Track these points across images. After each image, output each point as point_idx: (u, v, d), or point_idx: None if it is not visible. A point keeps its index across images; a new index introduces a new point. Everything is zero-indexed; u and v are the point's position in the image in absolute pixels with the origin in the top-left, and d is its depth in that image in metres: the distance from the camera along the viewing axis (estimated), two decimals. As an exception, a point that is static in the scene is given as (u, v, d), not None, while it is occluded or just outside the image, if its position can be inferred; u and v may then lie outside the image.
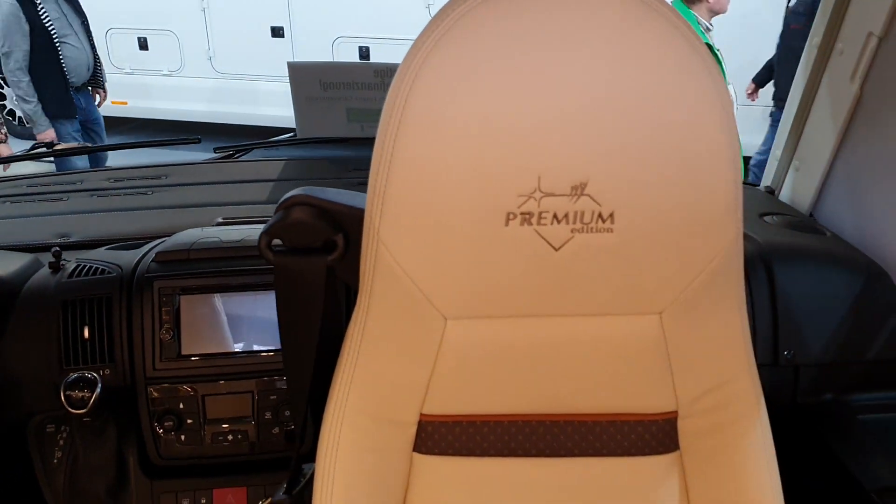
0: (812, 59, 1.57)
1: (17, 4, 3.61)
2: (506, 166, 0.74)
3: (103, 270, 1.29)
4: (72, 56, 3.78)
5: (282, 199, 0.88)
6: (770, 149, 1.84)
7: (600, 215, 0.76)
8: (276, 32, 5.70)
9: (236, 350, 1.28)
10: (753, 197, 1.72)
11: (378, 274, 0.81)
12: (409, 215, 0.77)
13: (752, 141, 4.20)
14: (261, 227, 0.89)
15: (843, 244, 1.46)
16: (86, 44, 3.88)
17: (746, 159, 4.33)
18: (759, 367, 1.29)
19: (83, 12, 3.94)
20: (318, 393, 0.92)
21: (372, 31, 5.40)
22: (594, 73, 0.72)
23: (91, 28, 4.00)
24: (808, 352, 1.32)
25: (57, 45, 3.70)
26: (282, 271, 0.90)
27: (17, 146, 3.72)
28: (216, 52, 5.91)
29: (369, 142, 0.77)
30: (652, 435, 0.90)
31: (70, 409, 1.13)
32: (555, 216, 0.76)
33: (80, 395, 1.13)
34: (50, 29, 3.68)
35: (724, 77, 2.58)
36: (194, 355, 1.26)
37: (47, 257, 1.33)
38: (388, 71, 1.79)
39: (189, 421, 1.27)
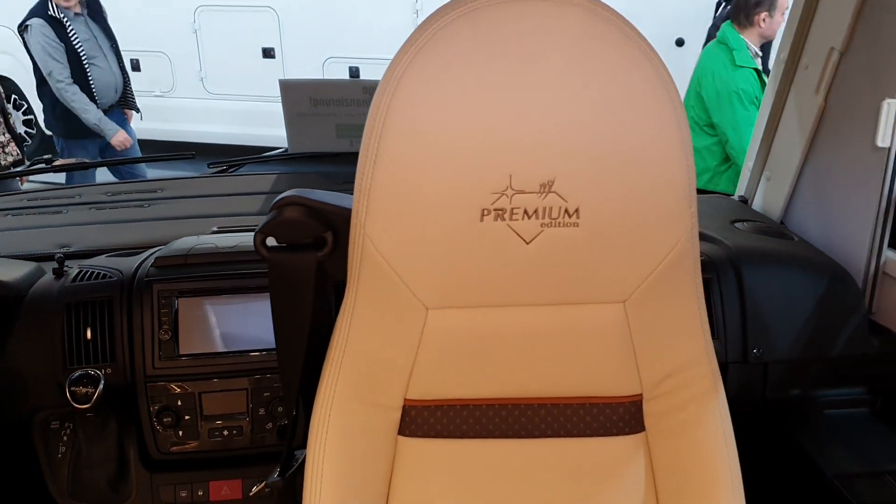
0: (780, 73, 1.64)
1: (49, 25, 3.61)
2: (480, 166, 0.81)
3: (105, 275, 1.34)
4: (99, 78, 3.75)
5: (275, 200, 0.95)
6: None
7: (567, 211, 0.83)
8: (268, 53, 5.75)
9: (231, 350, 1.33)
10: (727, 206, 1.78)
11: (364, 267, 0.88)
12: (392, 211, 0.84)
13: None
14: None
15: (809, 248, 1.52)
16: (115, 66, 3.85)
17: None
18: (730, 364, 1.36)
19: (113, 35, 3.91)
20: (309, 383, 0.98)
21: (361, 51, 5.45)
22: (559, 81, 0.80)
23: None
24: (775, 350, 1.37)
25: (86, 66, 3.69)
26: (275, 266, 0.97)
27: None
28: (208, 74, 5.96)
29: (358, 157, 0.84)
30: (619, 416, 0.97)
31: (75, 404, 1.18)
32: (525, 212, 0.83)
33: (85, 390, 1.18)
34: (79, 49, 3.67)
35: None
36: (191, 355, 1.32)
37: (49, 266, 1.38)
38: (375, 88, 1.83)
39: (187, 417, 1.32)
